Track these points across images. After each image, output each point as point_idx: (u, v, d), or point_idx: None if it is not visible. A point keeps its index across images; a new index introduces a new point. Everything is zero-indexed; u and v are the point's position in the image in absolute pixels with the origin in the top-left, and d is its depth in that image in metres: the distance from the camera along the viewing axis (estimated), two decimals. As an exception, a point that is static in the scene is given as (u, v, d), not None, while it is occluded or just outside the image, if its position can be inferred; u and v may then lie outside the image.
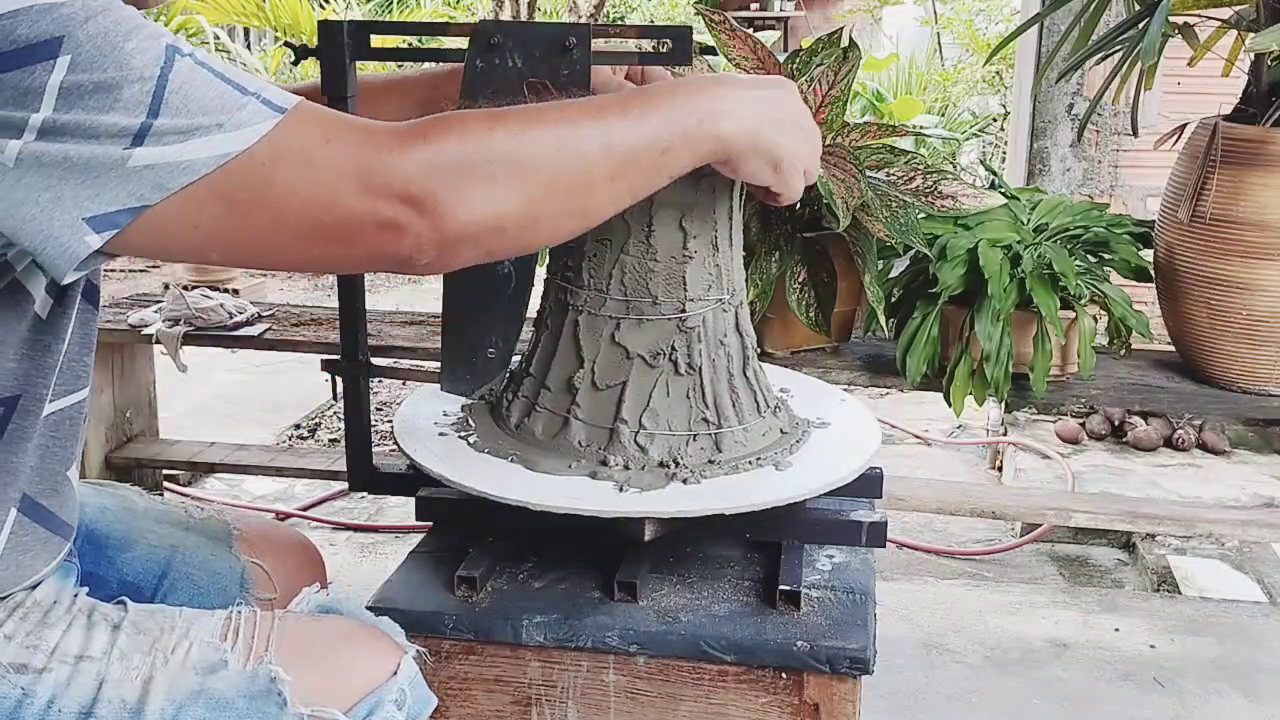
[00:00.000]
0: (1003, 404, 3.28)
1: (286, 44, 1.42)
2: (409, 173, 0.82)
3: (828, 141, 1.96)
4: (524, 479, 1.20)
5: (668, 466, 1.20)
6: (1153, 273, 2.07)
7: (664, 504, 1.15)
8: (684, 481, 1.19)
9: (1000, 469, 3.38)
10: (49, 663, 0.93)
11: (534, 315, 1.33)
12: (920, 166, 2.02)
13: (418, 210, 0.83)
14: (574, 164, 0.89)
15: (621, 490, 1.17)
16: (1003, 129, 6.26)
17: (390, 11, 8.52)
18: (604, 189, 0.92)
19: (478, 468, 1.22)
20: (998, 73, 6.81)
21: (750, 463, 1.23)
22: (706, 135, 0.96)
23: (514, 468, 1.22)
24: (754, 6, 9.26)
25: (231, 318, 2.43)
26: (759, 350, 1.35)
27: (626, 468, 1.20)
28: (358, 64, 1.28)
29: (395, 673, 1.01)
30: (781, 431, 1.30)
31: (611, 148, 0.91)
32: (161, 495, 1.30)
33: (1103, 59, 2.12)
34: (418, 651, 1.06)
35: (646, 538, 1.16)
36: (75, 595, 1.01)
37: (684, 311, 1.21)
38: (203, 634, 0.98)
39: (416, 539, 1.35)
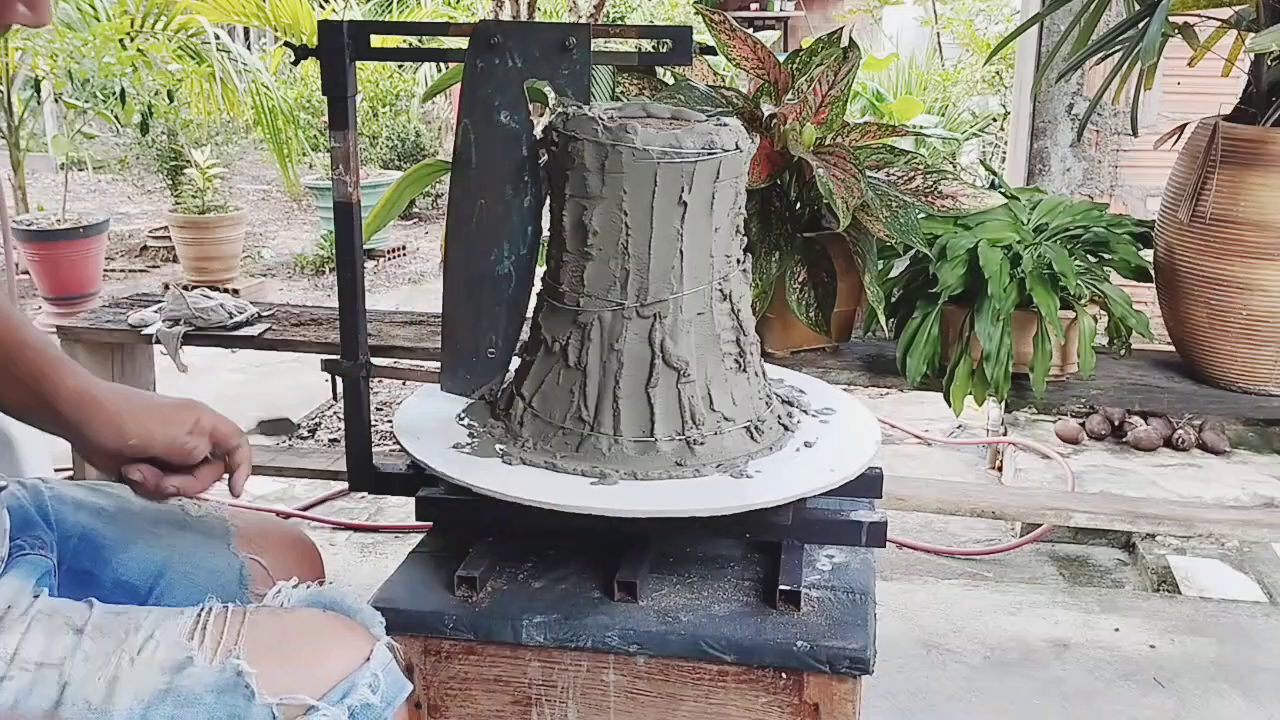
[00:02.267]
0: (1003, 404, 3.28)
1: (286, 44, 1.42)
2: None
3: (828, 141, 1.96)
4: (505, 474, 1.20)
5: (658, 466, 1.20)
6: (1153, 273, 2.07)
7: (647, 503, 1.15)
8: (674, 480, 1.19)
9: (1000, 469, 3.38)
10: (9, 670, 0.93)
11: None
12: (920, 166, 2.02)
13: None
14: None
15: (606, 487, 1.17)
16: (1003, 129, 6.25)
17: (390, 11, 8.51)
18: None
19: (467, 463, 1.23)
20: (998, 73, 6.80)
21: (742, 464, 1.23)
22: None
23: (503, 464, 1.23)
24: (754, 6, 9.27)
25: (231, 318, 2.43)
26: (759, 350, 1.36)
27: (616, 466, 1.20)
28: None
29: (368, 659, 1.01)
30: (782, 430, 1.30)
31: None
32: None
33: (1103, 59, 2.12)
34: (390, 642, 1.05)
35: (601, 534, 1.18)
36: (35, 596, 1.00)
37: (645, 306, 1.22)
38: (170, 633, 0.98)
39: (416, 539, 1.35)
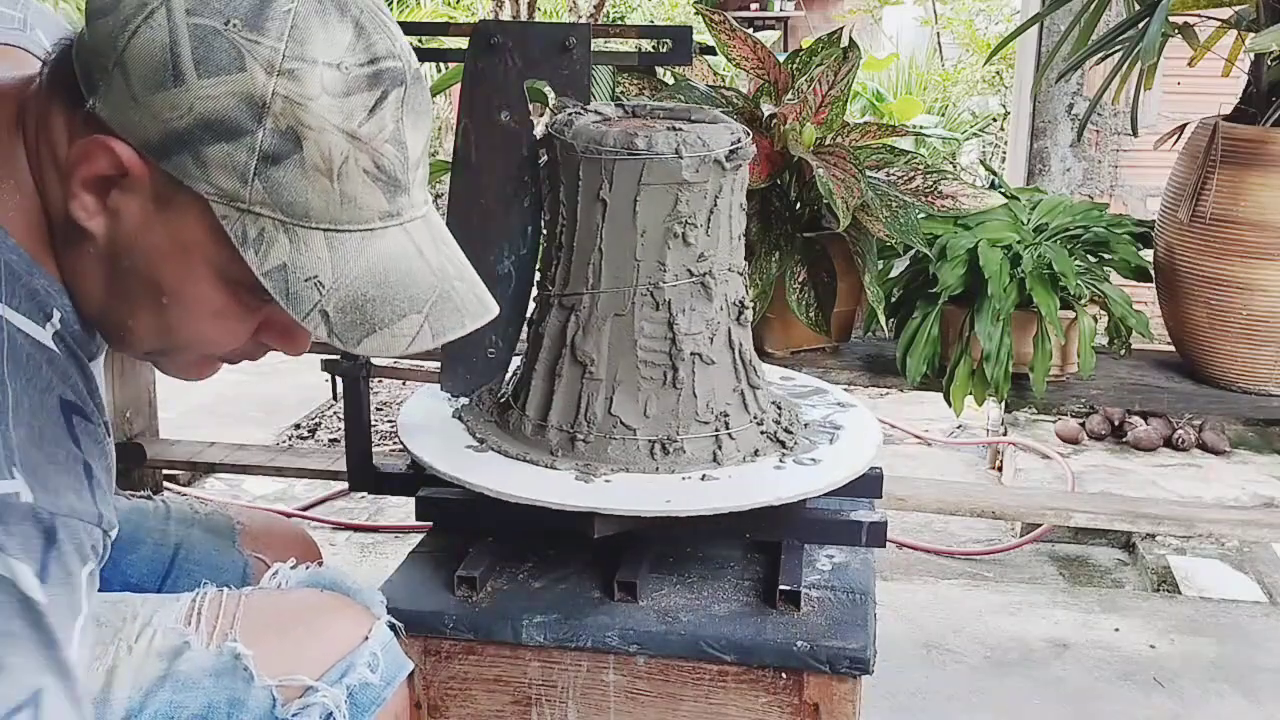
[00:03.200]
0: (1003, 404, 3.28)
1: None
2: None
3: (828, 141, 1.96)
4: (504, 473, 1.21)
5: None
6: (1153, 273, 2.07)
7: (645, 504, 1.15)
8: (681, 479, 1.19)
9: (1000, 469, 3.38)
10: None
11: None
12: (920, 166, 2.02)
13: None
14: None
15: (600, 486, 1.17)
16: (1003, 129, 6.26)
17: (390, 11, 8.52)
18: None
19: (467, 461, 1.23)
20: (998, 73, 6.81)
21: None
22: None
23: (500, 463, 1.23)
24: (754, 6, 9.26)
25: (231, 318, 2.42)
26: (759, 350, 1.35)
27: (612, 465, 1.21)
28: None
29: (367, 638, 1.01)
30: (783, 430, 1.30)
31: None
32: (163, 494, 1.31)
33: (1103, 59, 2.12)
34: (391, 621, 1.05)
35: (600, 533, 1.16)
36: None
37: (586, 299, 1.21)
38: (166, 620, 0.98)
39: (416, 539, 1.35)
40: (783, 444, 1.29)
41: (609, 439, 1.22)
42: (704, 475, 1.22)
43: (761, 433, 1.28)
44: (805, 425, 1.35)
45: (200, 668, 0.95)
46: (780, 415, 1.33)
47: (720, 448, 1.24)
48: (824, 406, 1.42)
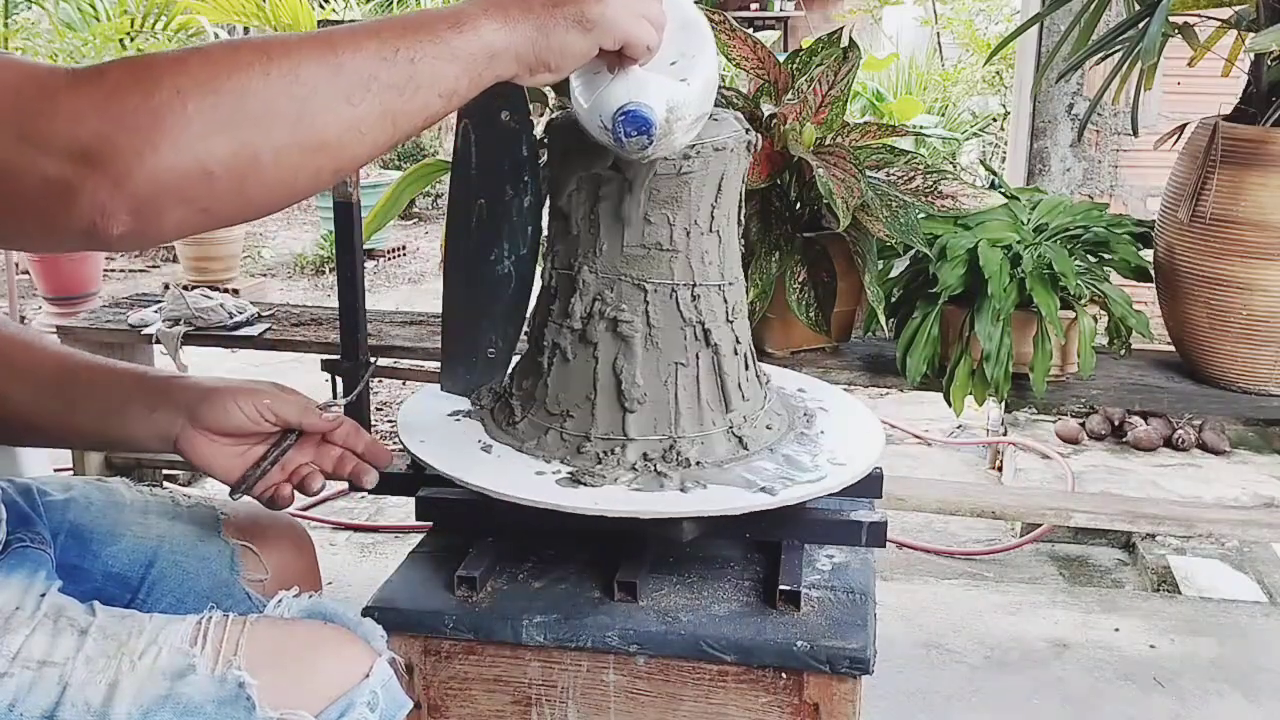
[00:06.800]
0: (1003, 404, 3.29)
1: (286, 44, 1.41)
2: (77, 116, 0.69)
3: (828, 141, 1.96)
4: (504, 473, 1.20)
5: (658, 466, 1.20)
6: (1153, 273, 2.07)
7: (645, 504, 1.15)
8: (680, 482, 1.19)
9: (1000, 469, 3.38)
10: (10, 668, 0.93)
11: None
12: (920, 166, 2.02)
13: (91, 164, 0.69)
14: (288, 85, 0.76)
15: (606, 488, 1.17)
16: (1003, 129, 6.26)
17: (390, 12, 8.52)
18: (338, 113, 0.79)
19: (467, 461, 1.23)
20: (998, 73, 6.81)
21: (741, 463, 1.22)
22: (465, 37, 0.87)
23: (500, 463, 1.23)
24: (754, 6, 9.27)
25: (231, 318, 2.43)
26: (759, 350, 1.35)
27: (615, 465, 1.20)
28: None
29: (368, 675, 1.01)
30: (783, 430, 1.30)
31: (340, 64, 0.78)
32: (152, 486, 1.31)
33: (1103, 59, 2.12)
34: (392, 657, 1.05)
35: (598, 527, 1.16)
36: (42, 595, 1.00)
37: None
38: (172, 639, 0.97)
39: (416, 539, 1.35)
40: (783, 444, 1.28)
41: (609, 439, 1.22)
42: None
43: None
44: (805, 425, 1.35)
45: (203, 693, 0.95)
46: (780, 415, 1.33)
47: (721, 447, 1.24)
48: (824, 407, 1.42)
